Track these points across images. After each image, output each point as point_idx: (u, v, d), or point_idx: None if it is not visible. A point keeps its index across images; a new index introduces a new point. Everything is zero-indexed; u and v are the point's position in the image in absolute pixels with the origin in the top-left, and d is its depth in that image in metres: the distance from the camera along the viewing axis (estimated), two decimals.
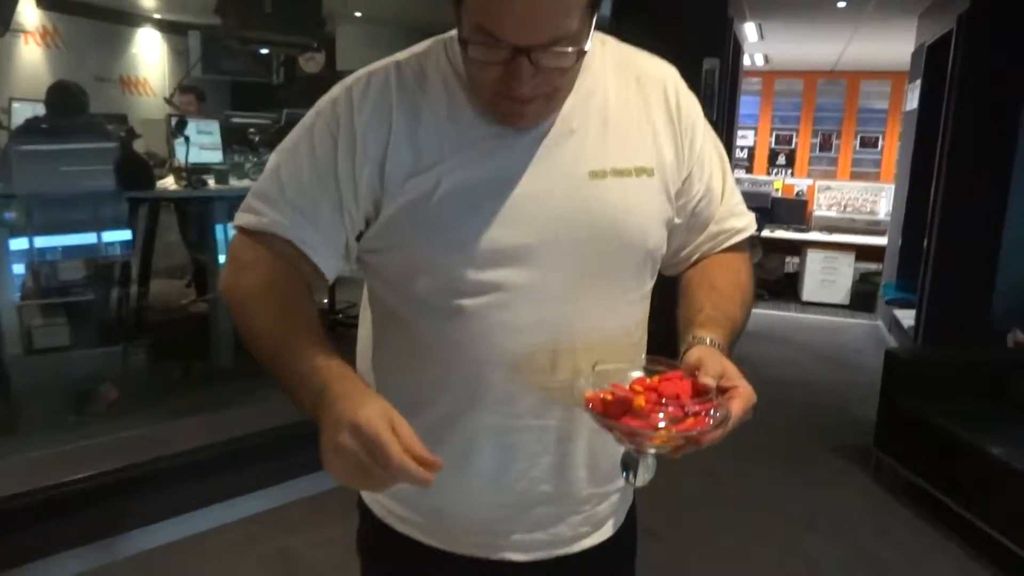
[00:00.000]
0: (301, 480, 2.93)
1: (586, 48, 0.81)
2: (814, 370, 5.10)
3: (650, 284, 1.00)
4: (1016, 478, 2.56)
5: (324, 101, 0.92)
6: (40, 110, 3.92)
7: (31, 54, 5.76)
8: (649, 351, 1.01)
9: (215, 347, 4.05)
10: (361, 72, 0.93)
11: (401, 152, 0.88)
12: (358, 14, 6.13)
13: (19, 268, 3.62)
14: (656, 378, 0.83)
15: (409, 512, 1.00)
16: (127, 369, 3.82)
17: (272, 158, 0.93)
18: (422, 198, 0.87)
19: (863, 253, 7.07)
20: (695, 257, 1.05)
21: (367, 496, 1.05)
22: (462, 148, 0.88)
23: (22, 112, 4.14)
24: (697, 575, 2.68)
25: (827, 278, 7.07)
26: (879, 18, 5.67)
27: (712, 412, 0.79)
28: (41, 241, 3.58)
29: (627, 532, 1.10)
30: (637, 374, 0.85)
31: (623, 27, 4.13)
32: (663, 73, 0.99)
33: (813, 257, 7.12)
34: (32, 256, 3.58)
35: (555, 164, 0.89)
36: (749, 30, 6.25)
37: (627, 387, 0.81)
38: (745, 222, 1.05)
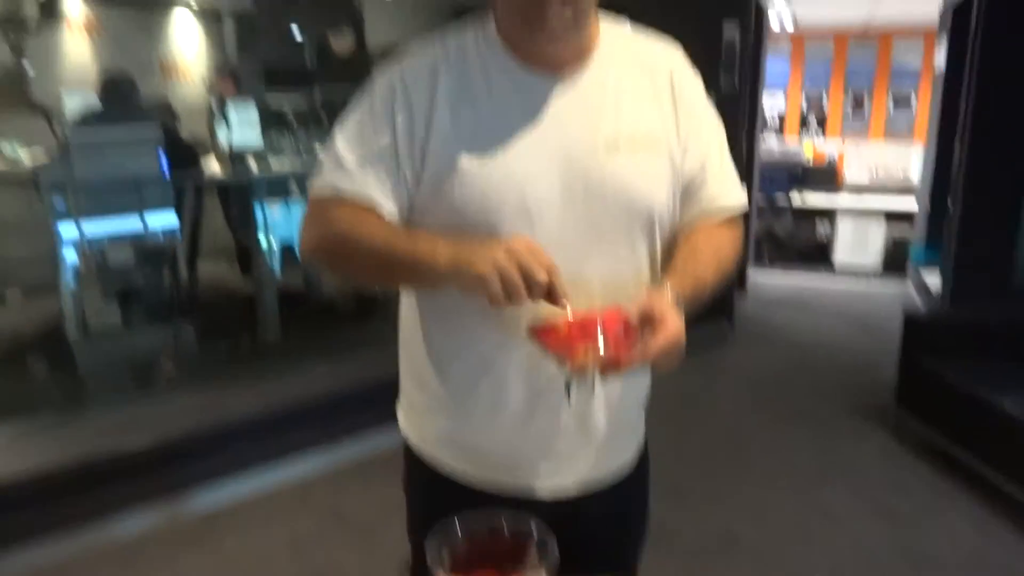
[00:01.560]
0: (348, 444, 3.13)
1: None
2: (843, 335, 5.17)
3: (658, 248, 1.12)
4: None
5: (379, 79, 1.09)
6: (89, 99, 4.13)
7: (76, 44, 5.99)
8: None
9: (262, 323, 4.27)
10: (410, 51, 1.10)
11: (444, 119, 1.04)
12: None
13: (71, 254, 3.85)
14: (596, 311, 0.97)
15: (453, 451, 1.16)
16: (179, 346, 4.06)
17: (335, 130, 1.10)
18: (459, 165, 1.03)
19: (895, 218, 7.05)
20: (685, 223, 1.15)
21: (415, 439, 1.21)
22: (493, 122, 1.04)
23: (71, 101, 4.36)
24: (718, 529, 2.82)
25: (859, 243, 7.07)
26: None
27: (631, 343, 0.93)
28: (95, 226, 3.78)
29: (642, 465, 1.26)
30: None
31: None
32: (667, 54, 1.14)
33: (844, 222, 7.11)
34: (84, 241, 3.78)
35: (573, 135, 1.05)
36: None
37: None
38: (734, 200, 1.16)
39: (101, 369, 3.85)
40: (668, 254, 1.11)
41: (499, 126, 1.04)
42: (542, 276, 0.90)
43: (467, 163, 1.02)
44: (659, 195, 1.08)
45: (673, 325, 0.95)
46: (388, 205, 1.05)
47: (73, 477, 2.61)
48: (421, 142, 1.04)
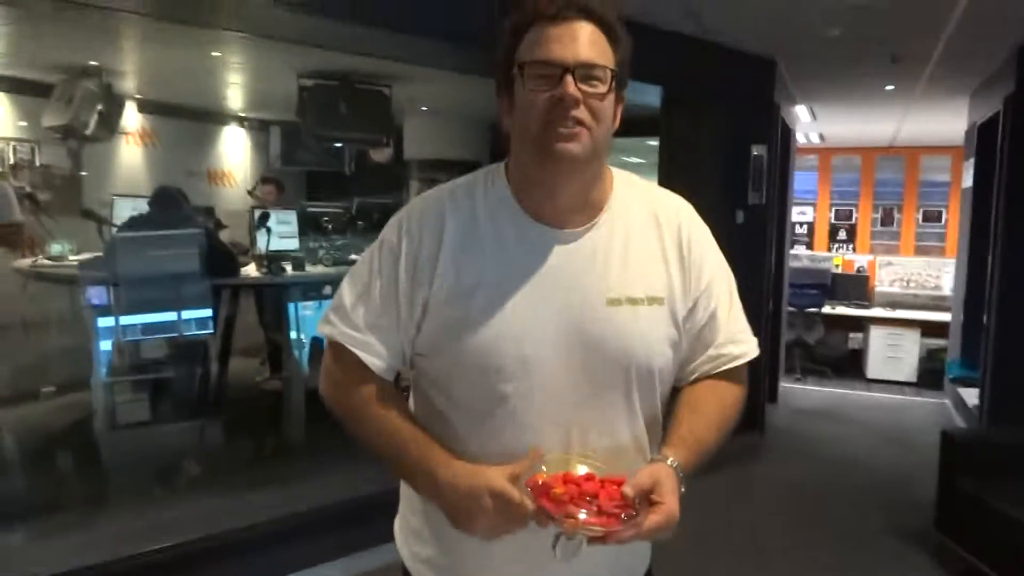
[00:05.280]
0: (370, 552, 3.06)
1: (618, 98, 1.05)
2: (878, 449, 5.01)
3: (658, 398, 1.13)
4: None
5: (388, 227, 1.13)
6: (139, 204, 4.32)
7: (130, 153, 6.33)
8: None
9: (287, 423, 4.27)
10: (418, 199, 1.15)
11: (447, 270, 1.07)
12: (424, 108, 6.55)
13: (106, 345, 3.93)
14: (598, 477, 0.99)
15: None
16: (205, 443, 4.06)
17: (345, 278, 1.15)
18: (460, 316, 1.05)
19: (929, 329, 6.95)
20: (695, 375, 1.16)
21: (408, 560, 1.22)
22: (497, 275, 1.06)
23: (121, 206, 4.57)
24: None
25: (892, 355, 6.96)
26: (930, 98, 5.75)
27: (624, 517, 0.95)
28: (132, 320, 3.88)
29: None
30: (584, 470, 1.02)
31: (673, 117, 4.34)
32: (677, 208, 1.16)
33: (877, 333, 7.03)
34: (121, 335, 3.88)
35: (577, 291, 1.06)
36: (801, 112, 6.39)
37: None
38: (742, 349, 1.16)
39: (126, 465, 3.85)
40: (669, 407, 1.13)
41: (503, 278, 1.06)
42: (526, 511, 0.97)
43: (468, 316, 1.05)
44: (658, 349, 1.09)
45: (670, 505, 0.97)
46: (383, 357, 1.10)
47: None
48: (423, 292, 1.07)
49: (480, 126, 6.80)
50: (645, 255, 1.10)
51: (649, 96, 4.17)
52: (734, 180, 4.44)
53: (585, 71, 1.00)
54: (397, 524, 1.26)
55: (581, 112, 1.00)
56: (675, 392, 1.19)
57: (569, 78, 0.99)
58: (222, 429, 4.21)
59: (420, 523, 1.18)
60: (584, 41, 1.01)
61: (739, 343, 1.16)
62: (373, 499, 3.04)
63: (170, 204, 4.05)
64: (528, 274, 1.06)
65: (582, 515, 0.93)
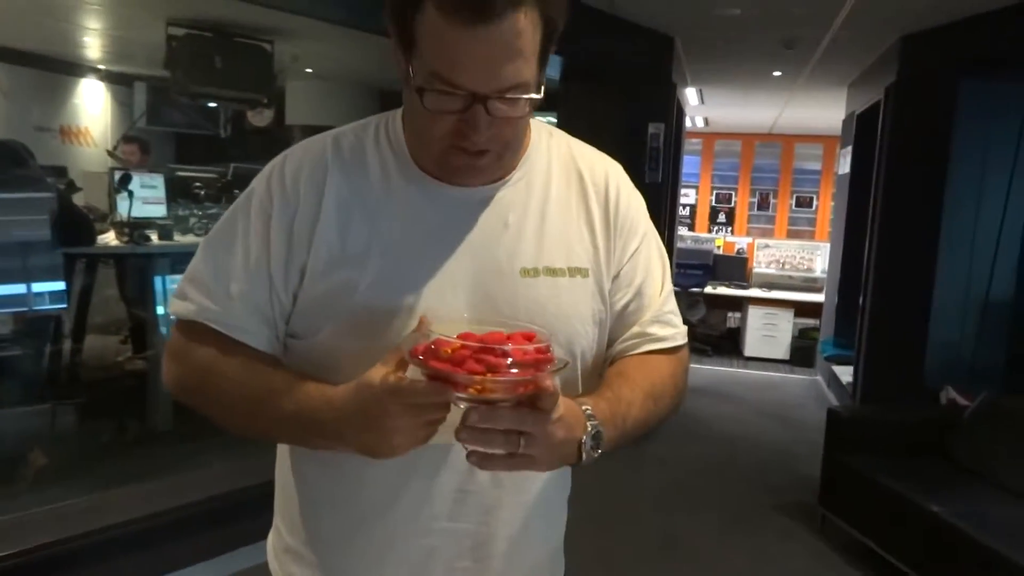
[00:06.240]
0: (247, 549, 2.82)
1: (537, 97, 0.82)
2: (759, 426, 5.19)
3: (579, 386, 0.95)
4: (959, 535, 2.62)
5: (259, 178, 0.92)
6: None
7: None
8: None
9: (152, 408, 3.91)
10: (297, 147, 0.93)
11: (330, 233, 0.87)
12: (309, 70, 6.15)
13: None
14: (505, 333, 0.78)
15: None
16: (56, 429, 3.66)
17: (204, 241, 0.93)
18: (345, 289, 0.86)
19: (802, 309, 7.30)
20: (613, 355, 0.99)
21: None
22: (391, 239, 0.88)
23: None
24: None
25: (768, 334, 7.26)
26: (811, 87, 5.97)
27: (550, 369, 0.74)
28: None
29: None
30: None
31: (572, 91, 4.24)
32: (605, 171, 1.00)
33: (754, 313, 7.31)
34: None
35: (487, 259, 0.89)
36: (691, 95, 6.50)
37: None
38: (669, 332, 0.99)
39: None
40: (589, 390, 0.94)
41: (396, 243, 0.87)
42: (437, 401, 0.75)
43: (354, 289, 0.86)
44: (581, 328, 0.93)
45: (570, 413, 0.79)
46: (261, 336, 0.89)
47: None
48: (300, 258, 0.87)
49: (371, 92, 6.46)
50: (567, 219, 0.94)
51: (549, 68, 4.05)
52: (631, 158, 4.39)
53: (502, 92, 0.80)
54: (270, 540, 1.05)
55: (490, 139, 0.83)
56: None
57: (479, 108, 0.79)
58: (76, 414, 3.81)
59: (299, 543, 0.98)
60: (504, 53, 0.77)
61: (666, 325, 0.99)
62: (248, 493, 2.81)
63: (13, 162, 3.57)
64: (428, 239, 0.88)
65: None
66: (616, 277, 0.97)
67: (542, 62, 0.82)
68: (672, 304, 1.02)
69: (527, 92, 0.81)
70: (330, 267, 0.87)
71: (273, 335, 0.91)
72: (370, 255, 0.87)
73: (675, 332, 1.00)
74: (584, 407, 0.83)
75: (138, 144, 5.14)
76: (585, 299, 0.93)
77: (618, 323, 0.98)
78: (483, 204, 0.91)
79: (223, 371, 0.87)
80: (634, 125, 4.45)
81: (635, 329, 0.98)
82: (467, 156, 0.84)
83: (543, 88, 0.84)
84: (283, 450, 1.01)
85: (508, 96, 0.80)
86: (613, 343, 0.99)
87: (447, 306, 0.86)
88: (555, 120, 4.39)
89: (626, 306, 0.98)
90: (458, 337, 0.74)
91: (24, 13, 4.78)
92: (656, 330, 0.98)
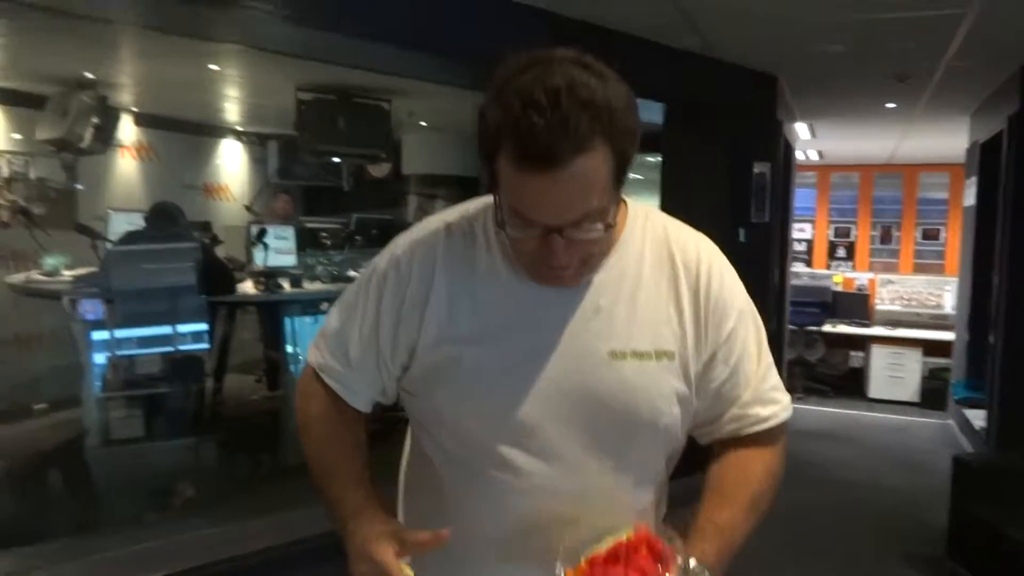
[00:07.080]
0: None
1: (613, 222, 0.92)
2: (883, 472, 4.93)
3: (663, 458, 1.04)
4: None
5: (381, 258, 1.06)
6: (134, 218, 4.27)
7: (126, 166, 6.27)
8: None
9: (283, 443, 4.18)
10: (416, 229, 1.06)
11: (440, 315, 0.99)
12: (423, 123, 6.50)
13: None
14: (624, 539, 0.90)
15: None
16: (199, 462, 3.98)
17: (338, 300, 1.09)
18: (450, 364, 0.98)
19: (931, 348, 6.88)
20: (718, 436, 1.05)
21: None
22: (493, 323, 0.98)
23: (116, 220, 4.50)
24: None
25: (894, 374, 6.89)
26: (930, 117, 5.73)
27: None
28: (126, 334, 3.83)
29: None
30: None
31: (674, 134, 4.29)
32: (698, 251, 1.03)
33: (878, 352, 6.97)
34: (116, 349, 3.83)
35: (579, 343, 0.97)
36: (801, 129, 6.38)
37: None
38: (770, 411, 1.03)
39: (117, 485, 3.76)
40: (672, 463, 1.07)
41: (498, 327, 0.98)
42: None
43: (458, 360, 0.97)
44: (665, 407, 0.99)
45: None
46: (364, 397, 1.06)
47: None
48: (410, 335, 1.00)
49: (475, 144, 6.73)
50: (656, 302, 0.99)
51: (650, 113, 4.13)
52: (736, 198, 4.40)
53: (575, 224, 0.88)
54: None
55: (571, 257, 0.91)
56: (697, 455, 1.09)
57: (556, 237, 0.88)
58: (217, 447, 4.13)
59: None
60: (573, 192, 0.85)
61: (768, 403, 1.03)
62: None
63: (166, 219, 4.00)
64: (526, 322, 0.97)
65: None
66: (711, 360, 1.00)
67: (616, 184, 0.90)
68: (774, 378, 1.05)
69: (601, 219, 0.89)
70: (439, 343, 0.99)
71: (379, 395, 1.07)
72: (473, 335, 0.97)
73: (777, 409, 1.04)
74: (691, 562, 0.91)
75: (291, 196, 5.60)
76: (668, 380, 0.98)
77: (716, 401, 1.02)
78: (578, 291, 0.98)
79: (317, 433, 1.06)
80: (739, 165, 4.42)
81: (734, 411, 1.02)
82: (552, 271, 0.93)
83: (620, 204, 0.97)
84: (401, 489, 1.16)
85: (584, 224, 0.88)
86: (716, 420, 1.03)
87: (540, 391, 0.97)
88: (657, 160, 4.45)
89: (722, 384, 1.01)
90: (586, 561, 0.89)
91: (175, 87, 5.35)
92: (758, 410, 1.02)
